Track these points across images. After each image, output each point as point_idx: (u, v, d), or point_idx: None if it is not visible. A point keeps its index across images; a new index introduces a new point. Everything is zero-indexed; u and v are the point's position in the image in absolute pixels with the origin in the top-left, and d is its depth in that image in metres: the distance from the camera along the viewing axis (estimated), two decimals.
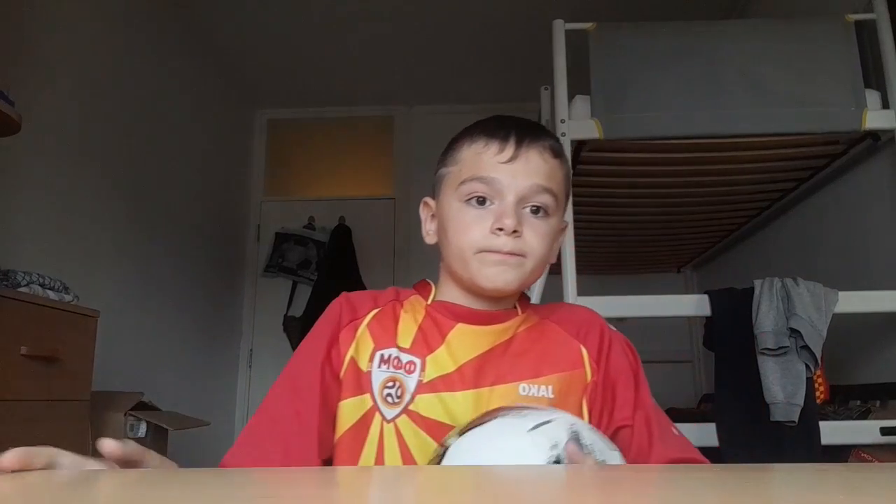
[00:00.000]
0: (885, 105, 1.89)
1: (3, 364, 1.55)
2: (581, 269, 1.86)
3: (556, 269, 1.90)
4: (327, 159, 4.47)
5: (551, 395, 0.73)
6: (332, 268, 3.98)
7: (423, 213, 0.84)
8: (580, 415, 0.74)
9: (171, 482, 0.50)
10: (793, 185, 2.39)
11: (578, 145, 1.96)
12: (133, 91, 2.88)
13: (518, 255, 0.73)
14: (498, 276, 0.73)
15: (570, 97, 1.96)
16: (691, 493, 0.42)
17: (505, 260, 0.73)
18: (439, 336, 0.76)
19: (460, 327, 0.77)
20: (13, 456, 0.48)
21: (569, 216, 1.86)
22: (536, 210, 0.75)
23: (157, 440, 2.24)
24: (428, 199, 0.84)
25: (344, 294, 0.82)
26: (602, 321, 0.82)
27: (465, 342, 0.76)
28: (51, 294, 1.78)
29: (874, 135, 1.93)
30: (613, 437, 0.73)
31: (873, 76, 1.95)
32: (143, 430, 2.12)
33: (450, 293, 0.80)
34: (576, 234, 1.89)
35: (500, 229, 0.72)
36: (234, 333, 4.03)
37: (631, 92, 1.93)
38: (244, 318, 4.12)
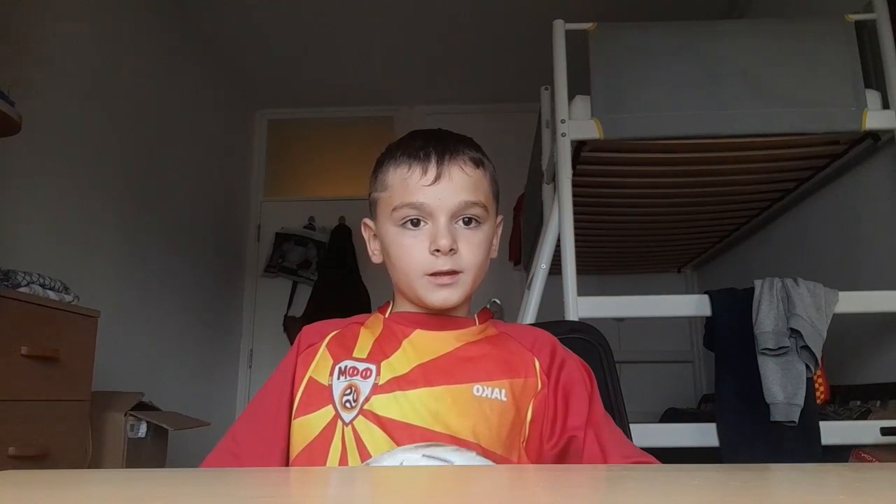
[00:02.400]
0: (886, 105, 1.89)
1: (3, 364, 1.55)
2: (581, 269, 1.86)
3: (556, 270, 1.90)
4: (327, 159, 4.47)
5: (504, 398, 0.76)
6: (332, 268, 3.98)
7: (366, 234, 0.89)
8: (525, 419, 0.77)
9: (172, 482, 0.50)
10: (793, 185, 2.39)
11: (578, 145, 1.96)
12: (133, 91, 2.89)
13: (457, 272, 0.79)
14: (443, 297, 0.79)
15: (571, 97, 1.96)
16: (691, 493, 0.42)
17: (447, 282, 0.79)
18: (396, 343, 0.80)
19: (419, 332, 0.81)
20: None
21: (568, 216, 1.88)
22: (468, 221, 0.80)
23: (157, 440, 2.24)
24: (367, 221, 0.88)
25: (306, 326, 0.87)
26: (555, 340, 0.85)
27: (422, 346, 0.79)
28: (51, 294, 1.78)
29: (874, 135, 1.92)
30: (567, 444, 0.76)
31: (873, 76, 1.95)
32: (143, 430, 2.12)
33: (405, 306, 0.85)
34: (576, 234, 1.89)
35: (438, 250, 0.77)
36: (234, 333, 4.03)
37: (631, 92, 1.93)
38: (244, 318, 4.12)
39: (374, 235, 0.86)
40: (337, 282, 3.93)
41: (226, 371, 3.89)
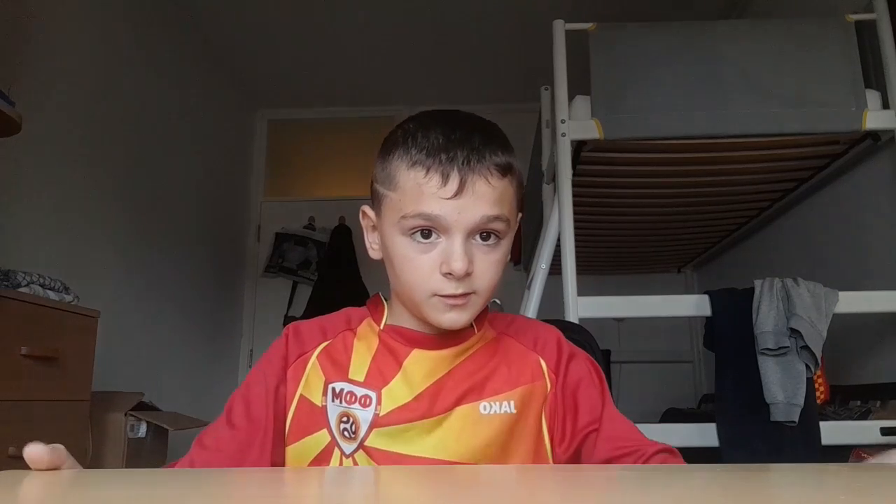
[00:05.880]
0: (886, 105, 1.89)
1: (3, 364, 1.55)
2: (581, 269, 1.86)
3: (556, 270, 1.90)
4: (327, 159, 4.47)
5: (513, 410, 0.72)
6: (332, 268, 3.98)
7: (364, 223, 0.77)
8: (539, 427, 0.73)
9: (172, 482, 0.50)
10: (793, 186, 2.39)
11: (579, 145, 1.96)
12: (133, 91, 2.88)
13: (469, 293, 0.69)
14: (452, 319, 0.70)
15: (571, 97, 1.96)
16: (692, 493, 0.42)
17: (459, 303, 0.69)
18: (395, 364, 0.73)
19: (416, 353, 0.73)
20: (44, 456, 0.51)
21: (568, 216, 1.88)
22: (487, 236, 0.69)
23: (158, 440, 2.24)
24: (367, 210, 0.76)
25: (293, 326, 0.77)
26: (559, 333, 0.79)
27: (422, 368, 0.73)
28: (51, 294, 1.78)
29: (874, 135, 1.92)
30: (580, 445, 0.72)
31: (873, 76, 1.95)
32: (143, 430, 2.12)
33: (402, 316, 0.76)
34: (576, 234, 1.89)
35: (451, 273, 0.67)
36: (234, 333, 4.03)
37: (631, 92, 1.93)
38: (244, 318, 4.12)
39: (374, 227, 0.75)
40: (337, 282, 3.93)
41: (226, 371, 3.89)
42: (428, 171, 0.66)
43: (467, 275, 0.68)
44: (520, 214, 0.76)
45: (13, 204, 2.15)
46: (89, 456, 1.86)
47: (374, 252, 0.76)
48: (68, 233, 2.42)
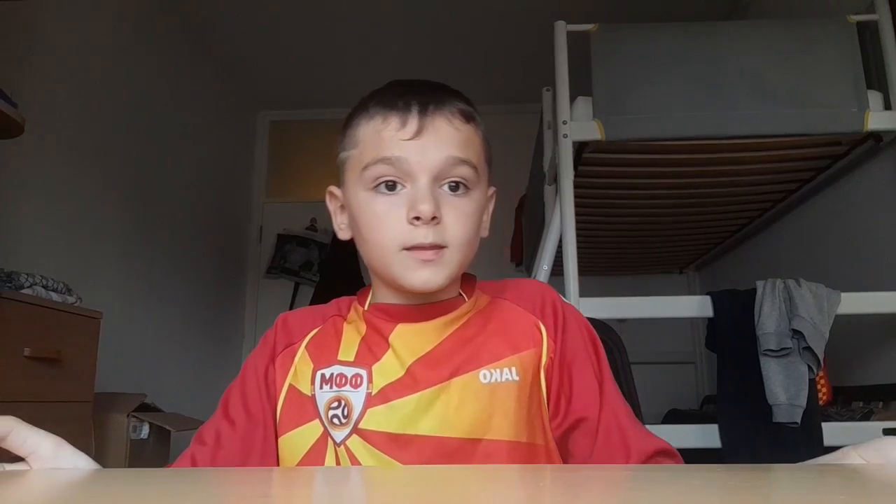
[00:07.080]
0: (888, 106, 1.89)
1: (6, 365, 1.55)
2: (583, 270, 1.86)
3: (558, 271, 1.90)
4: (329, 161, 4.44)
5: (516, 377, 0.66)
6: (334, 269, 3.99)
7: (331, 205, 0.75)
8: (539, 393, 0.67)
9: (170, 481, 0.50)
10: (795, 187, 2.39)
11: (580, 146, 1.96)
12: (135, 94, 2.89)
13: (441, 246, 0.65)
14: (425, 278, 0.65)
15: (572, 98, 1.96)
16: (692, 493, 0.42)
17: (429, 259, 0.64)
18: (383, 341, 0.69)
19: (401, 327, 0.69)
20: None
21: (570, 217, 1.88)
22: (455, 186, 0.66)
23: (160, 442, 2.24)
24: (333, 189, 0.74)
25: (282, 316, 0.76)
26: (555, 294, 0.73)
27: (411, 341, 0.68)
28: (54, 296, 1.78)
29: (876, 136, 1.92)
30: (572, 427, 0.67)
31: (875, 77, 1.95)
32: (145, 431, 2.12)
33: (385, 293, 0.72)
34: (578, 235, 1.89)
35: (417, 218, 0.63)
36: (236, 335, 4.03)
37: (633, 93, 1.93)
38: (246, 319, 4.12)
39: (342, 207, 0.73)
40: (339, 283, 3.93)
41: (228, 372, 3.88)
42: (385, 116, 0.66)
43: (435, 221, 0.64)
44: (492, 189, 0.74)
45: (16, 205, 2.15)
46: (92, 457, 1.86)
47: (342, 232, 0.73)
48: (71, 234, 2.43)
